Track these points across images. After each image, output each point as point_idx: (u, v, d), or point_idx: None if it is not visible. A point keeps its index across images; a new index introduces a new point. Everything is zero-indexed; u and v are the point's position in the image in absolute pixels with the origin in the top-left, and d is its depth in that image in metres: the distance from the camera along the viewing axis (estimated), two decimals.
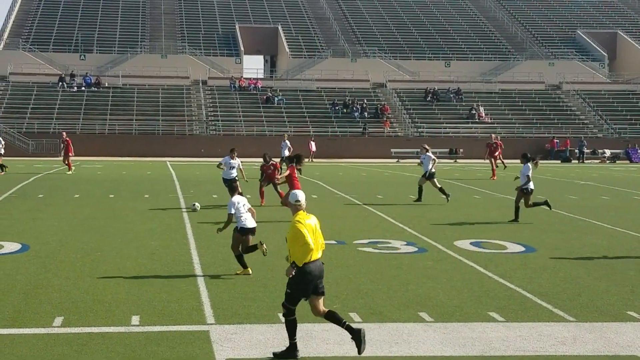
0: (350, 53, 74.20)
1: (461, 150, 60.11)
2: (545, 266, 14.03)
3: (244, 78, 70.42)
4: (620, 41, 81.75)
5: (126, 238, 16.69)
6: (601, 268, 13.96)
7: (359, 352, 8.48)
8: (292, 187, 18.96)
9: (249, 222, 13.18)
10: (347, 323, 8.62)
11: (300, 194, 9.00)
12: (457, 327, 9.82)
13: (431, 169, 24.84)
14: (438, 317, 10.32)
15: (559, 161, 59.60)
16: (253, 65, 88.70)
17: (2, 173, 35.72)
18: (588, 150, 61.25)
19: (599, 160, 60.83)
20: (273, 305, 10.77)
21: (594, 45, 78.89)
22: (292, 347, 8.54)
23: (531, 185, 20.44)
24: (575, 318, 10.40)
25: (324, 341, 9.13)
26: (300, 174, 26.76)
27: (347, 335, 9.31)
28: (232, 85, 68.43)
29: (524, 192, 20.42)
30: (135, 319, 9.96)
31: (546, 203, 20.98)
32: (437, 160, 25.21)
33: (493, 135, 41.33)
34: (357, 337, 8.47)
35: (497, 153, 38.05)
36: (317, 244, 8.70)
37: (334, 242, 16.47)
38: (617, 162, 59.31)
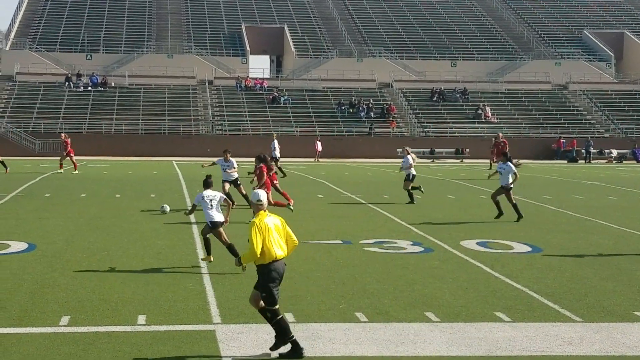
0: (356, 53, 74.17)
1: (467, 150, 60.05)
2: (552, 266, 14.00)
3: (250, 78, 70.43)
4: (627, 41, 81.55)
5: (132, 237, 16.71)
6: (608, 268, 13.92)
7: (273, 347, 8.63)
8: (265, 187, 19.02)
9: (217, 216, 13.46)
10: (293, 338, 8.68)
11: (262, 194, 8.99)
12: (464, 327, 9.80)
13: (412, 171, 24.73)
14: (444, 317, 10.30)
15: (566, 161, 59.52)
16: (259, 65, 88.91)
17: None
18: (595, 151, 61.13)
19: (606, 161, 60.71)
20: (279, 304, 10.74)
21: (601, 45, 78.71)
22: (294, 345, 8.54)
23: (510, 182, 20.40)
24: (582, 318, 10.38)
25: (330, 341, 9.12)
26: (283, 174, 26.93)
27: (353, 335, 9.31)
28: (238, 85, 68.47)
29: (507, 189, 20.33)
30: (141, 319, 9.96)
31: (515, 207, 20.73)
32: (414, 161, 24.96)
33: (500, 134, 41.17)
34: (282, 336, 8.60)
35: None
36: (278, 244, 8.73)
37: (340, 241, 16.47)
38: (624, 162, 59.18)
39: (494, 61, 75.43)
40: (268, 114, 64.85)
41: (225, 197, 14.11)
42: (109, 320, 9.88)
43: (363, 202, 24.85)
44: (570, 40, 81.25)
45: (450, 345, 9.05)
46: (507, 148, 37.57)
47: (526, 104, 69.24)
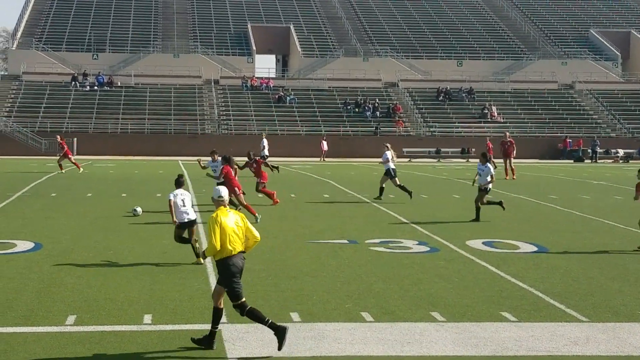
0: (362, 52, 74.15)
1: (473, 149, 59.93)
2: (558, 266, 13.98)
3: (256, 77, 70.49)
4: (634, 40, 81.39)
5: (138, 237, 16.73)
6: (614, 268, 13.90)
7: (196, 340, 8.78)
8: (232, 186, 18.98)
9: (186, 216, 13.77)
10: (217, 330, 8.90)
11: (222, 190, 9.20)
12: (469, 327, 9.79)
13: (392, 165, 24.90)
14: (450, 316, 10.29)
15: (572, 161, 59.43)
16: (265, 65, 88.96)
17: None
18: (601, 150, 61.02)
19: (612, 160, 60.61)
20: (285, 304, 10.77)
21: (607, 44, 78.54)
22: (275, 328, 8.69)
23: (490, 185, 20.31)
24: (588, 318, 10.36)
25: (335, 340, 9.12)
26: (277, 171, 27.11)
27: (359, 335, 9.31)
28: (244, 84, 68.51)
29: (485, 191, 20.24)
30: (147, 318, 9.98)
31: (500, 203, 20.69)
32: (393, 158, 25.13)
33: (507, 133, 41.00)
34: (212, 334, 8.82)
35: (512, 152, 37.14)
36: (237, 239, 8.87)
37: (345, 241, 16.46)
38: (630, 161, 59.03)
39: (500, 60, 75.35)
40: (274, 113, 64.89)
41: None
42: (115, 320, 9.90)
43: (369, 201, 24.85)
44: (577, 39, 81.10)
45: (456, 345, 9.04)
46: (514, 148, 37.43)
47: (532, 103, 69.15)
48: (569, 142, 62.48)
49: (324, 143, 57.06)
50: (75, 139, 58.09)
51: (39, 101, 64.32)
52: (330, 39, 78.47)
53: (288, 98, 66.64)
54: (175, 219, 13.78)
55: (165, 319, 9.90)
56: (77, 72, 67.88)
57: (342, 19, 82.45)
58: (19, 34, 74.39)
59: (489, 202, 20.54)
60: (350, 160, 55.59)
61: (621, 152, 61.44)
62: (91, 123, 61.42)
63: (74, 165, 37.52)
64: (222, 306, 8.98)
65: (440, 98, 68.73)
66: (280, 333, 8.64)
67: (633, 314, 10.64)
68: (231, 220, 8.90)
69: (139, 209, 20.40)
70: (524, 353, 8.82)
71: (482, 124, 64.86)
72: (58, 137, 41.79)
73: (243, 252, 8.94)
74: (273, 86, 69.18)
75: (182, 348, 8.76)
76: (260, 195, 23.53)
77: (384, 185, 25.13)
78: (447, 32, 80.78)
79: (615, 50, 77.73)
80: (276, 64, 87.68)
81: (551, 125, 65.58)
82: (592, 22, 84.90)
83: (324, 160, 55.53)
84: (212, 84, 69.04)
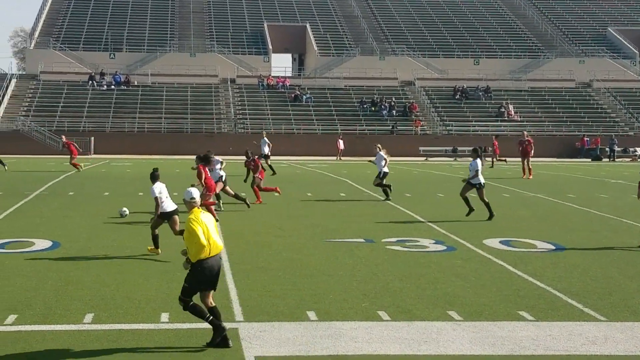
0: (378, 51, 74.06)
1: (490, 148, 59.65)
2: (576, 265, 13.91)
3: (272, 76, 70.56)
4: None
5: None
6: (633, 267, 13.81)
7: (210, 342, 8.77)
8: (208, 186, 18.98)
9: (169, 206, 14.33)
10: (211, 318, 8.84)
11: (194, 191, 9.24)
12: (487, 326, 9.76)
13: (384, 167, 24.82)
14: (467, 315, 10.26)
15: (590, 159, 59.12)
16: (281, 64, 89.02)
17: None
18: (619, 149, 60.68)
19: (630, 159, 60.25)
20: (301, 303, 10.77)
21: (625, 42, 78.09)
22: (215, 327, 8.76)
23: (481, 179, 20.14)
24: (607, 317, 10.29)
25: (352, 339, 9.11)
26: (273, 171, 27.20)
27: (376, 334, 9.30)
28: (261, 83, 68.59)
29: (476, 187, 20.09)
30: (164, 316, 10.00)
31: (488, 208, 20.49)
32: (388, 160, 25.20)
33: (525, 132, 40.77)
34: (218, 329, 8.77)
35: (530, 151, 36.77)
36: (215, 240, 8.89)
37: (362, 240, 16.45)
38: None
39: (517, 59, 75.06)
40: (290, 112, 64.93)
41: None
42: (132, 318, 9.93)
43: (385, 200, 24.80)
44: (594, 37, 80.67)
45: (473, 344, 9.01)
46: (532, 147, 37.16)
47: (549, 102, 68.84)
48: (587, 140, 62.16)
49: (341, 142, 57.04)
50: (92, 138, 58.43)
51: (56, 100, 64.65)
52: (346, 37, 78.42)
53: (304, 97, 66.65)
54: (157, 214, 14.41)
55: (182, 318, 9.91)
56: (94, 72, 68.18)
57: (359, 18, 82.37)
58: (36, 34, 74.80)
59: (466, 199, 20.34)
60: (367, 159, 55.45)
61: (639, 150, 61.06)
62: (108, 122, 61.69)
63: (73, 165, 37.64)
64: (213, 304, 8.97)
65: (457, 97, 68.54)
66: (219, 332, 8.72)
67: None
68: (208, 220, 8.93)
69: (126, 210, 19.68)
70: (542, 352, 8.78)
71: (499, 123, 64.62)
72: (63, 137, 42.04)
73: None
74: (289, 85, 69.22)
75: (199, 346, 8.78)
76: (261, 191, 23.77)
77: (385, 184, 25.14)
78: (463, 30, 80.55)
79: (633, 48, 77.26)
80: (292, 63, 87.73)
81: (568, 123, 65.27)
82: (609, 20, 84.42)
83: (340, 159, 55.52)
84: (229, 83, 69.16)
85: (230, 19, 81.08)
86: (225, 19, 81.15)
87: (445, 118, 65.60)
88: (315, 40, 76.62)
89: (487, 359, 8.54)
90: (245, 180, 27.99)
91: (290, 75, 76.55)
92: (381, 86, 69.74)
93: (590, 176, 38.42)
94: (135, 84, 67.79)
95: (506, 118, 65.42)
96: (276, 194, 24.45)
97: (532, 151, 37.03)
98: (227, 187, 21.65)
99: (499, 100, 67.86)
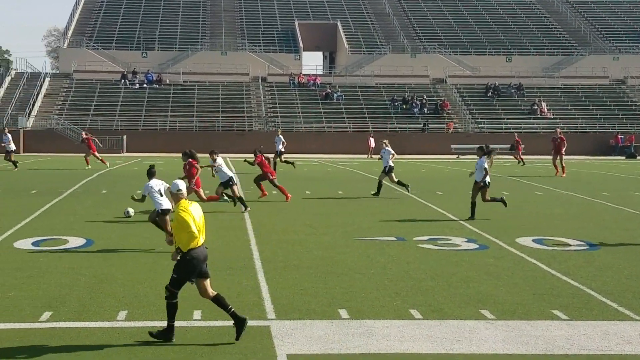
0: (409, 49, 73.84)
1: (522, 146, 59.21)
2: (610, 264, 13.77)
3: (303, 74, 70.62)
4: None
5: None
6: None
7: (237, 338, 8.83)
8: (193, 182, 19.08)
9: (165, 204, 14.63)
10: (232, 309, 8.98)
11: (180, 184, 9.31)
12: (520, 325, 9.69)
13: (390, 163, 24.87)
14: (500, 314, 10.19)
15: (624, 157, 58.47)
16: (312, 62, 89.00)
17: (16, 169, 36.58)
18: None
19: None
20: (333, 301, 10.76)
21: None
22: (169, 329, 8.90)
23: (488, 178, 19.86)
24: None
25: (384, 337, 9.09)
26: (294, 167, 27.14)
27: (408, 332, 9.27)
28: (291, 81, 68.68)
29: (480, 186, 19.84)
30: (197, 314, 10.05)
31: (502, 200, 20.31)
32: (395, 154, 25.26)
33: (558, 130, 40.28)
34: (241, 324, 8.89)
35: (562, 149, 36.21)
36: (202, 230, 9.06)
37: (393, 238, 16.41)
38: None
39: (550, 56, 74.46)
40: (321, 110, 64.94)
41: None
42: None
43: (416, 198, 24.73)
44: (629, 33, 79.77)
45: (507, 343, 8.95)
46: (565, 145, 36.59)
47: (583, 99, 68.21)
48: (621, 138, 61.49)
49: (372, 140, 56.95)
50: (124, 136, 58.88)
51: (89, 99, 65.24)
52: (377, 35, 78.27)
53: (335, 95, 66.63)
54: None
55: (214, 315, 9.95)
56: (127, 70, 68.72)
57: (390, 15, 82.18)
58: (70, 33, 75.55)
59: (492, 199, 20.18)
60: (398, 157, 55.24)
61: None
62: (140, 120, 62.13)
63: (85, 162, 38.05)
64: (214, 293, 9.09)
65: (489, 94, 68.14)
66: (167, 336, 8.83)
67: None
68: (195, 210, 9.04)
69: (131, 211, 19.44)
70: (576, 352, 8.70)
71: (532, 120, 64.15)
72: (83, 132, 42.37)
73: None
74: (320, 83, 69.25)
75: (231, 344, 8.80)
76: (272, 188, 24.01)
77: (396, 180, 25.06)
78: (495, 27, 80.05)
79: None
80: (323, 61, 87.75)
81: (602, 121, 64.62)
82: None
83: (371, 157, 55.42)
84: (260, 81, 69.33)
85: (261, 17, 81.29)
86: (257, 17, 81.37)
87: (477, 116, 65.25)
88: (346, 38, 76.56)
89: (521, 358, 8.48)
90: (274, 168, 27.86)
91: (321, 73, 76.56)
92: (412, 84, 69.54)
93: (624, 174, 38.00)
94: (167, 82, 68.21)
95: (539, 115, 64.92)
96: (261, 195, 24.02)
97: (565, 149, 36.48)
98: (235, 187, 21.31)
99: (531, 98, 67.36)
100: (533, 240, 16.23)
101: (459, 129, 63.34)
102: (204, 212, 9.41)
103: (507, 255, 14.64)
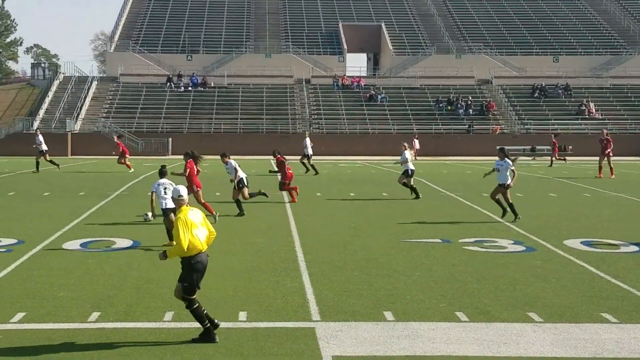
0: (454, 49, 73.41)
1: (570, 147, 58.56)
2: None
3: (347, 76, 70.59)
4: None
5: (233, 235, 16.94)
6: None
7: (197, 339, 8.97)
8: (191, 183, 18.92)
9: (170, 203, 14.92)
10: (208, 326, 9.05)
11: (182, 189, 9.34)
12: (568, 328, 9.55)
13: (411, 166, 24.85)
14: (548, 317, 10.06)
15: None
16: (356, 63, 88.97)
17: (57, 169, 37.28)
18: None
19: None
20: (378, 303, 10.72)
21: None
22: (207, 332, 8.96)
23: (508, 180, 19.45)
24: None
25: (430, 340, 9.03)
26: (316, 172, 26.98)
27: (454, 335, 9.19)
28: (335, 83, 68.69)
29: (504, 187, 19.41)
30: (242, 315, 10.08)
31: (504, 210, 19.62)
32: (413, 157, 25.21)
33: (605, 130, 39.61)
34: (213, 327, 9.01)
35: (608, 150, 35.50)
36: (204, 237, 9.13)
37: (438, 240, 16.31)
38: None
39: (597, 56, 73.48)
40: (365, 112, 64.85)
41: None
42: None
43: (462, 200, 24.57)
44: None
45: (555, 347, 8.83)
46: (611, 145, 35.89)
47: (632, 99, 67.18)
48: None
49: (416, 141, 56.59)
50: (170, 138, 59.41)
51: (135, 102, 65.95)
52: (422, 36, 77.96)
53: (379, 96, 66.49)
54: (154, 212, 16.06)
55: (259, 316, 9.98)
56: (172, 73, 69.33)
57: (434, 16, 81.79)
58: (116, 37, 76.48)
59: (511, 204, 19.78)
60: (443, 159, 55.06)
61: None
62: (185, 123, 62.63)
63: (125, 165, 38.40)
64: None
65: (536, 95, 67.44)
66: (208, 337, 8.90)
67: None
68: (196, 217, 9.10)
69: (150, 215, 18.73)
70: (626, 355, 8.55)
71: (580, 121, 63.34)
72: (115, 137, 42.88)
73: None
74: (364, 85, 69.15)
75: (276, 345, 8.81)
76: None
77: (412, 185, 24.90)
78: (542, 27, 79.21)
79: None
80: (367, 63, 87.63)
81: None
82: None
83: (415, 158, 55.08)
84: (304, 83, 69.47)
85: (305, 20, 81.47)
86: (300, 19, 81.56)
87: (523, 117, 64.61)
88: (390, 39, 76.37)
89: None
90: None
91: (365, 75, 76.49)
92: (457, 85, 69.11)
93: None
94: (212, 85, 68.67)
95: (587, 116, 64.08)
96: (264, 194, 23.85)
97: (611, 149, 35.67)
98: (245, 190, 21.04)
99: (579, 98, 66.51)
100: (581, 243, 16.02)
101: (505, 130, 62.77)
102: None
103: (555, 257, 14.45)
